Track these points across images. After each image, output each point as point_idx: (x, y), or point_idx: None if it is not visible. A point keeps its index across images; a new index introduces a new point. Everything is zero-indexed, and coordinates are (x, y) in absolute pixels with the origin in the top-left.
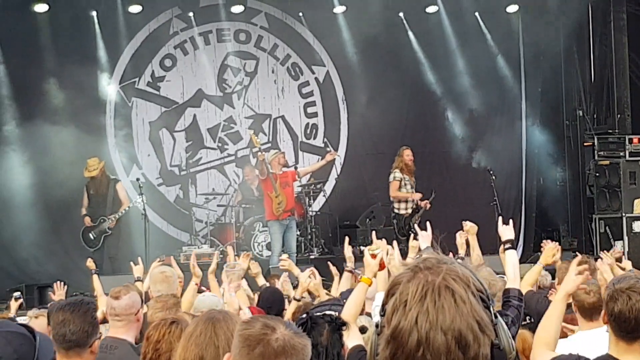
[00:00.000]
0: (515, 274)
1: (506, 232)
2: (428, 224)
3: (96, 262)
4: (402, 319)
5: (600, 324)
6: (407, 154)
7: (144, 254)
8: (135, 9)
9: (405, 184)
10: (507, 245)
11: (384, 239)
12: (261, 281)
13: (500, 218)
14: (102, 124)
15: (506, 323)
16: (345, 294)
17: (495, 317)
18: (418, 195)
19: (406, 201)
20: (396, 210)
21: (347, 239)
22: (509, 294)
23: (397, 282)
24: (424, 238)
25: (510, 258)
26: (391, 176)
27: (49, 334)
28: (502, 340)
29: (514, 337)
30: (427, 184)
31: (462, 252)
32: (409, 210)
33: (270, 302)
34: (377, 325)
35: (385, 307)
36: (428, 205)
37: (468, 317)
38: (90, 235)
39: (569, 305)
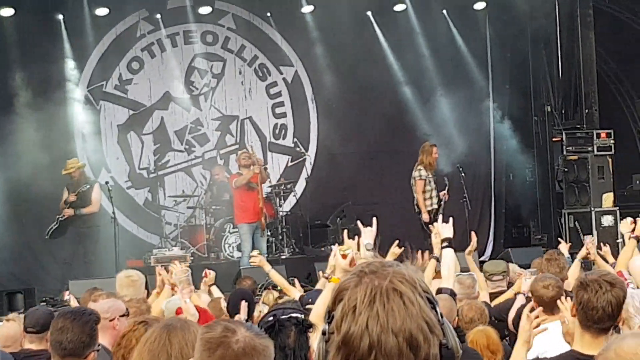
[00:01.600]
0: (449, 273)
1: (445, 230)
2: (374, 220)
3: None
4: (352, 324)
5: (560, 317)
6: (436, 151)
7: (114, 258)
8: (102, 12)
9: (429, 182)
10: (445, 244)
11: (357, 238)
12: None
13: (440, 216)
14: (70, 127)
15: None
16: (313, 294)
17: (442, 317)
18: (425, 217)
19: (430, 197)
20: (417, 209)
21: (335, 248)
22: (441, 293)
23: (343, 288)
24: (367, 234)
25: (447, 257)
26: (416, 173)
27: (22, 338)
28: (449, 340)
29: None
30: (397, 182)
31: (436, 251)
32: (435, 206)
33: (239, 304)
34: (324, 333)
35: (332, 313)
36: (447, 196)
37: (417, 318)
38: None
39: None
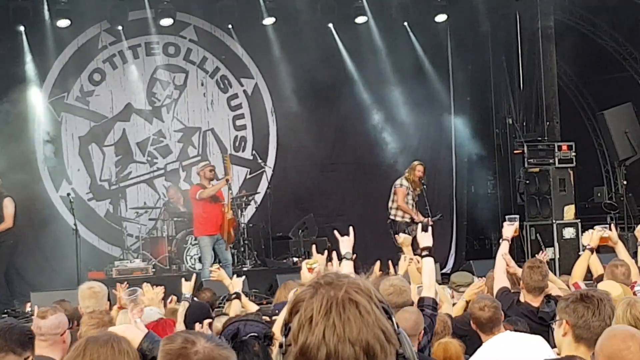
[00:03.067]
0: (430, 282)
1: (424, 239)
2: (351, 229)
3: None
4: (309, 334)
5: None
6: (419, 170)
7: (75, 270)
8: (63, 23)
9: (408, 193)
10: (424, 253)
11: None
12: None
13: (419, 225)
14: (31, 139)
15: None
16: (280, 306)
17: (398, 326)
18: (420, 218)
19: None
20: (392, 217)
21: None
22: (423, 303)
23: (299, 300)
24: (345, 243)
25: (427, 266)
26: (398, 182)
27: None
28: (406, 349)
29: (428, 345)
30: (358, 194)
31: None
32: (406, 219)
33: (197, 317)
34: (280, 345)
35: (288, 325)
36: (431, 222)
37: (374, 327)
38: None
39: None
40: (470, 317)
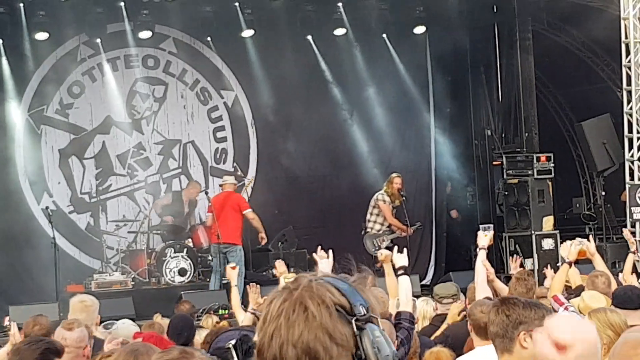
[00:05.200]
0: (407, 298)
1: (400, 259)
2: (330, 252)
3: None
4: (262, 334)
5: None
6: (397, 182)
7: (54, 282)
8: (41, 36)
9: (390, 209)
10: (401, 272)
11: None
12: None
13: (395, 247)
14: (10, 152)
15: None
16: None
17: (360, 329)
18: (409, 231)
19: (382, 223)
20: (369, 229)
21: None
22: (400, 317)
23: (268, 301)
24: (324, 264)
25: (403, 283)
26: (380, 197)
27: None
28: (365, 351)
29: (405, 357)
30: (337, 206)
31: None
32: (385, 229)
33: (179, 329)
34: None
35: None
36: (410, 231)
37: (317, 329)
38: None
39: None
40: (468, 317)
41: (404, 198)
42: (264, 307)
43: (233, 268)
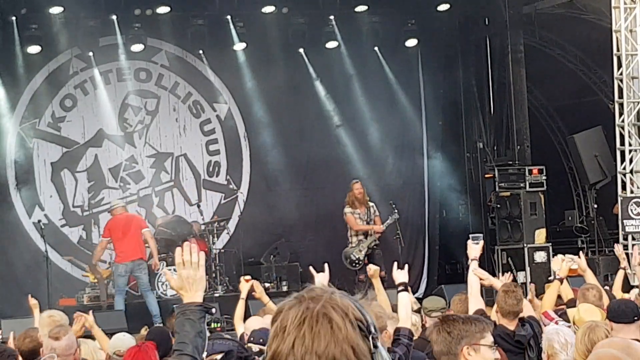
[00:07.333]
0: (407, 315)
1: (400, 275)
2: (326, 265)
3: None
4: (280, 343)
5: None
6: (357, 188)
7: (46, 296)
8: (34, 49)
9: (356, 219)
10: (400, 288)
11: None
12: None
13: (395, 263)
14: (2, 165)
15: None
16: (258, 333)
17: (375, 346)
18: (380, 228)
19: (357, 234)
20: (349, 245)
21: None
22: (400, 333)
23: (280, 310)
24: (321, 278)
25: (403, 300)
26: (344, 215)
27: None
28: None
29: None
30: (329, 219)
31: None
32: (361, 238)
33: (156, 342)
34: (261, 352)
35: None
36: (382, 228)
37: (343, 343)
38: None
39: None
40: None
41: (372, 204)
42: (276, 315)
43: (247, 281)
